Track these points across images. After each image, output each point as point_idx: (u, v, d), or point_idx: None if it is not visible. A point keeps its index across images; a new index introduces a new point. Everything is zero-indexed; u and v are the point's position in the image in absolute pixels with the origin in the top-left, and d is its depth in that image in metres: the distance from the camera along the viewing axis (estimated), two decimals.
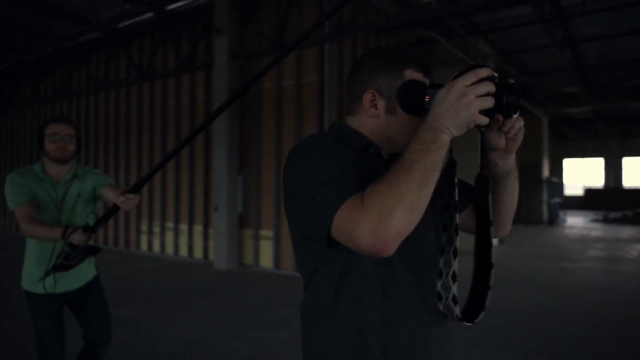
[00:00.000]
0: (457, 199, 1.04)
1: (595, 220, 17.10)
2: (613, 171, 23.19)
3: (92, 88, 10.32)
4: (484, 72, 0.88)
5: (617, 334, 4.36)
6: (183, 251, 8.62)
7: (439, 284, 1.06)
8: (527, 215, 16.27)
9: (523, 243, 11.13)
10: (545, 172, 16.91)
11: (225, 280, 6.76)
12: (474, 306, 1.02)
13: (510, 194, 1.14)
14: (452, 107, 0.88)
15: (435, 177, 0.88)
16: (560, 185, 19.25)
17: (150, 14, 8.59)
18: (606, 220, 16.78)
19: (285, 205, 1.05)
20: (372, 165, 1.04)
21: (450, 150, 1.03)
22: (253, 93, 7.55)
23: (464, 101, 0.87)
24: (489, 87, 0.87)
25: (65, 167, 2.39)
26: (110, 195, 2.32)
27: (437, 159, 0.87)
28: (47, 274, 2.18)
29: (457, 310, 1.02)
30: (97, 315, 2.45)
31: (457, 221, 1.04)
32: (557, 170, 23.99)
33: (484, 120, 0.89)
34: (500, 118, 0.92)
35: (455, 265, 1.05)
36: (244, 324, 4.53)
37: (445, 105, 0.88)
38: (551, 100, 14.76)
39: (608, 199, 21.27)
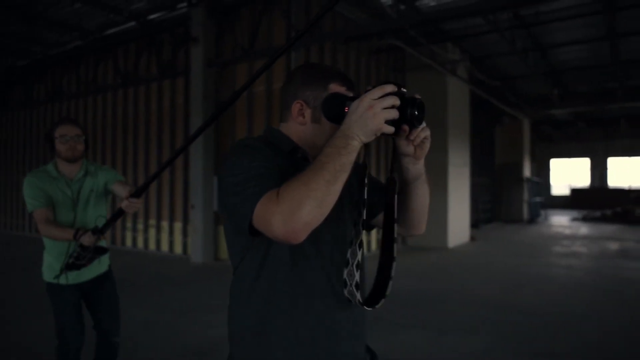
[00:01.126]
0: (365, 197, 1.15)
1: (575, 219, 17.55)
2: (598, 171, 23.65)
3: (81, 92, 10.84)
4: (389, 88, 1.00)
5: (550, 320, 4.86)
6: (164, 247, 9.13)
7: (345, 272, 1.15)
8: (507, 214, 16.74)
9: (494, 240, 11.61)
10: (527, 172, 17.37)
11: (198, 272, 7.26)
12: (376, 294, 1.13)
13: (421, 196, 1.25)
14: (361, 118, 0.99)
15: (343, 177, 1.00)
16: (541, 185, 19.70)
17: (133, 23, 9.08)
18: (585, 219, 17.22)
19: (219, 199, 1.16)
20: (297, 167, 1.09)
21: (364, 155, 1.19)
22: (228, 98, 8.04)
23: (371, 113, 0.98)
24: (394, 100, 1.00)
25: (76, 165, 2.55)
26: (120, 192, 2.48)
27: (345, 161, 1.00)
28: (61, 272, 2.37)
29: (358, 296, 1.12)
30: (108, 305, 2.62)
31: (364, 217, 1.15)
32: (544, 170, 24.47)
33: (390, 129, 1.01)
34: (406, 128, 1.05)
35: (359, 256, 1.15)
36: (203, 309, 5.03)
37: (355, 115, 1.00)
38: (529, 103, 15.21)
39: (593, 199, 21.68)
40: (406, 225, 1.31)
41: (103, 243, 2.46)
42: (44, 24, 8.95)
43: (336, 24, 8.13)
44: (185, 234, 8.77)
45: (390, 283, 1.12)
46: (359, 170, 1.22)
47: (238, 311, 1.21)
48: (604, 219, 16.84)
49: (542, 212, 17.83)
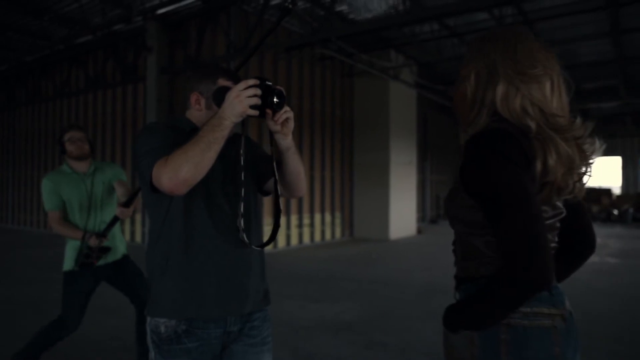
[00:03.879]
0: (242, 164, 1.44)
1: None
2: None
3: (57, 96, 11.81)
4: (251, 81, 1.29)
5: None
6: (138, 238, 10.06)
7: (237, 221, 1.44)
8: None
9: (443, 233, 12.41)
10: None
11: None
12: (270, 239, 1.48)
13: (293, 164, 1.51)
14: (231, 104, 1.28)
15: (215, 147, 1.29)
16: None
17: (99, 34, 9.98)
18: None
19: (136, 167, 1.43)
20: None
21: (242, 131, 1.48)
22: (179, 103, 8.95)
23: (237, 100, 1.27)
24: (255, 91, 1.28)
25: (86, 163, 2.91)
26: (119, 193, 2.87)
27: (218, 136, 1.28)
28: (76, 264, 2.72)
29: (246, 239, 1.43)
30: (137, 279, 2.91)
31: (243, 178, 1.44)
32: None
33: (253, 112, 1.30)
34: (269, 111, 1.34)
35: (242, 208, 1.43)
36: None
37: (227, 102, 1.29)
38: None
39: None
40: (287, 187, 1.58)
41: (107, 243, 2.78)
42: (19, 31, 9.88)
43: (278, 35, 8.99)
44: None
45: (278, 231, 1.46)
46: (251, 143, 1.62)
47: (151, 252, 1.50)
48: None
49: None
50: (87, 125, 11.09)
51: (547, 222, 1.11)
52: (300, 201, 9.66)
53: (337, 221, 10.96)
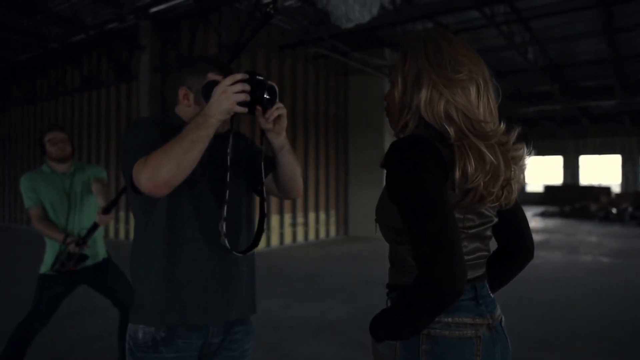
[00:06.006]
0: (229, 164, 1.36)
1: (535, 215, 18.27)
2: (570, 169, 24.35)
3: (51, 95, 11.82)
4: (239, 76, 1.20)
5: None
6: (122, 235, 10.08)
7: (219, 225, 1.34)
8: None
9: None
10: None
11: None
12: (252, 245, 1.42)
13: (287, 164, 1.43)
14: (217, 100, 1.19)
15: (199, 147, 1.20)
16: None
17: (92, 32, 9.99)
18: (544, 215, 17.92)
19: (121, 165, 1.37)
20: None
21: (231, 129, 1.41)
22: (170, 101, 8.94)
23: (224, 96, 1.18)
24: (244, 86, 1.19)
25: (67, 164, 2.86)
26: (95, 192, 2.78)
27: (202, 134, 1.19)
28: (53, 267, 2.68)
29: (227, 244, 1.33)
30: (119, 281, 2.87)
31: (228, 179, 1.36)
32: None
33: (241, 109, 1.21)
34: (259, 108, 1.25)
35: (225, 211, 1.33)
36: None
37: (214, 98, 1.20)
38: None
39: (565, 195, 22.31)
40: (283, 189, 1.50)
41: (88, 251, 2.74)
42: (12, 30, 9.89)
43: (271, 34, 8.98)
44: None
45: (262, 235, 1.40)
46: (245, 141, 1.53)
47: (134, 254, 1.43)
48: (561, 215, 17.53)
49: None
50: (81, 124, 11.11)
51: (473, 230, 1.09)
52: (294, 200, 9.62)
53: (332, 220, 10.96)
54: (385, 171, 1.06)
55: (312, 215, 10.34)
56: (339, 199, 11.14)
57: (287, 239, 9.70)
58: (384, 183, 1.07)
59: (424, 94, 1.07)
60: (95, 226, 2.69)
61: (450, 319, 1.04)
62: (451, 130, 1.04)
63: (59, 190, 2.80)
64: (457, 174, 1.01)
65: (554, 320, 4.50)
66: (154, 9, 8.57)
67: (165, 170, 1.18)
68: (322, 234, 10.66)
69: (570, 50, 11.07)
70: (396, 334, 1.05)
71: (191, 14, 8.54)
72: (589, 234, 11.97)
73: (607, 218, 15.90)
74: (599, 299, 5.38)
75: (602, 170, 23.81)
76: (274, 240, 9.33)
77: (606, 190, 18.43)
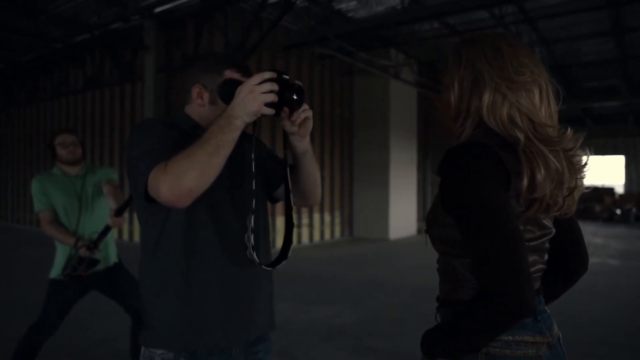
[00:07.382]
0: (253, 170, 1.26)
1: None
2: None
3: (54, 95, 11.75)
4: (268, 74, 1.11)
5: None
6: (125, 236, 10.01)
7: (245, 237, 1.22)
8: None
9: None
10: None
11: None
12: (280, 257, 1.26)
13: (309, 170, 1.35)
14: (243, 101, 1.10)
15: (224, 151, 1.11)
16: None
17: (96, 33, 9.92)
18: None
19: (127, 172, 1.26)
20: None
21: (254, 133, 1.30)
22: (176, 102, 8.88)
23: (251, 96, 1.09)
24: (272, 86, 1.10)
25: (78, 167, 2.81)
26: (106, 194, 2.69)
27: (227, 138, 1.11)
28: (63, 272, 2.62)
29: (256, 258, 1.21)
30: (131, 286, 2.78)
31: (254, 187, 1.25)
32: None
33: (269, 111, 1.13)
34: (287, 110, 1.17)
35: (252, 222, 1.22)
36: None
37: (239, 98, 1.11)
38: None
39: None
40: (302, 196, 1.42)
41: (99, 255, 2.67)
42: (14, 30, 9.82)
43: (276, 34, 8.90)
44: None
45: (290, 247, 1.28)
46: (259, 144, 1.44)
47: (144, 269, 1.32)
48: None
49: None
50: (85, 124, 11.04)
51: (533, 242, 1.03)
52: None
53: (337, 221, 10.89)
54: (440, 182, 0.99)
55: (317, 217, 10.27)
56: (343, 200, 11.07)
57: (293, 241, 9.60)
58: (439, 193, 1.01)
59: (486, 98, 1.01)
60: (107, 229, 2.64)
61: (510, 337, 0.98)
62: (521, 136, 0.97)
63: (70, 193, 2.75)
64: (524, 183, 0.94)
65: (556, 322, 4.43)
66: (158, 9, 8.49)
67: (188, 177, 1.08)
68: (327, 235, 10.59)
69: (575, 51, 11.02)
70: (453, 352, 0.99)
71: (196, 13, 8.46)
72: (594, 235, 11.89)
73: (611, 219, 15.85)
74: (603, 300, 5.32)
75: (605, 171, 23.73)
76: (279, 242, 9.23)
77: (610, 191, 18.32)
